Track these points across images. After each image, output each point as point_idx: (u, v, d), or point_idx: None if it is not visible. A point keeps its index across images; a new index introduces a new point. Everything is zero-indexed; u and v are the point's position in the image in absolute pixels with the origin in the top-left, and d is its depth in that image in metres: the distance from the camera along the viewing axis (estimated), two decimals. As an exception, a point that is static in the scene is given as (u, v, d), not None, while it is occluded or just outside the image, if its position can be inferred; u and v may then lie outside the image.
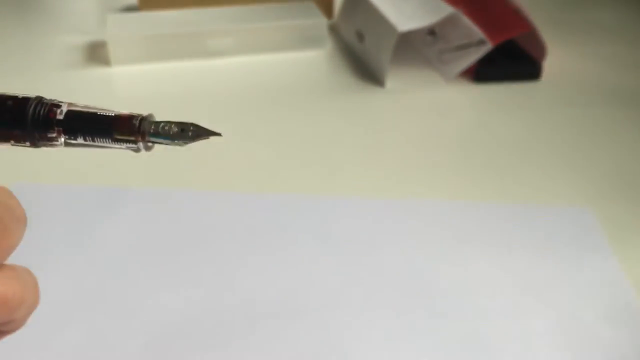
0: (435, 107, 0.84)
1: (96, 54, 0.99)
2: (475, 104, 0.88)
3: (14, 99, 0.28)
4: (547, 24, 0.98)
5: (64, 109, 0.28)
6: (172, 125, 0.28)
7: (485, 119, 0.83)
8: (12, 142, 0.28)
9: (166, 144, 0.28)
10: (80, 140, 0.28)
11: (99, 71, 0.95)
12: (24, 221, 0.28)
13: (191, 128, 0.29)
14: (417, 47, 0.97)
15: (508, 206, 0.62)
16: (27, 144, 0.28)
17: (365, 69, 0.95)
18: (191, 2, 1.05)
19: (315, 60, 1.00)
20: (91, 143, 0.28)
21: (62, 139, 0.28)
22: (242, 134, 0.76)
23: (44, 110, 0.28)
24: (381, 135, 0.79)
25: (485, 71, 0.92)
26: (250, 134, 0.77)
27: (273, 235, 0.57)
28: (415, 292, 0.51)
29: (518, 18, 0.92)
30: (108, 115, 0.28)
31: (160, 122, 0.28)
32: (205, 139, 0.29)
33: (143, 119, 0.28)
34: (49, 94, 0.32)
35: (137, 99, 0.90)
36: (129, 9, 1.14)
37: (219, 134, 0.28)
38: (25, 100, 0.28)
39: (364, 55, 0.98)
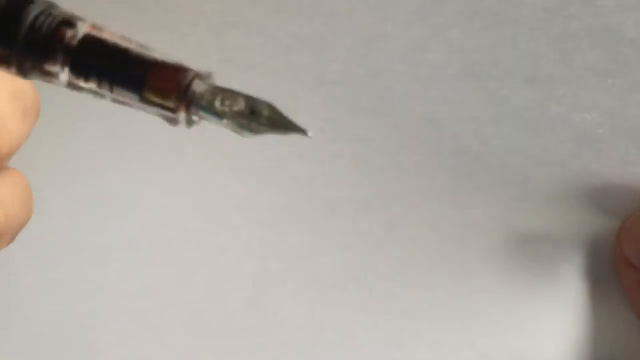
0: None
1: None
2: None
3: None
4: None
5: (81, 30, 0.20)
6: (240, 99, 0.19)
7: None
8: None
9: (222, 126, 0.20)
10: (91, 86, 0.20)
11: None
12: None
13: (266, 113, 0.20)
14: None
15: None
16: (13, 69, 0.20)
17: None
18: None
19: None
20: (107, 93, 0.20)
21: (66, 76, 0.20)
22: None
23: (50, 24, 0.19)
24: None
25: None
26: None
27: None
28: None
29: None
30: (144, 58, 0.19)
31: (222, 89, 0.19)
32: (283, 133, 0.20)
33: (197, 76, 0.19)
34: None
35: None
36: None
37: (304, 133, 0.20)
38: (25, 1, 0.19)
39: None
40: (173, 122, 0.20)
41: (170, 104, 0.19)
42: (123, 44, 0.20)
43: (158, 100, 0.19)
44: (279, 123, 0.19)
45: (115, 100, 0.20)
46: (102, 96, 0.20)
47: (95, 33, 0.20)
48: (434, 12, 0.49)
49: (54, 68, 0.20)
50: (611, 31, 0.46)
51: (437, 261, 0.51)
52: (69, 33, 0.19)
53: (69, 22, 0.20)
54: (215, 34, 0.50)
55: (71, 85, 0.20)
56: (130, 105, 0.20)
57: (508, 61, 0.49)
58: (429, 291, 0.51)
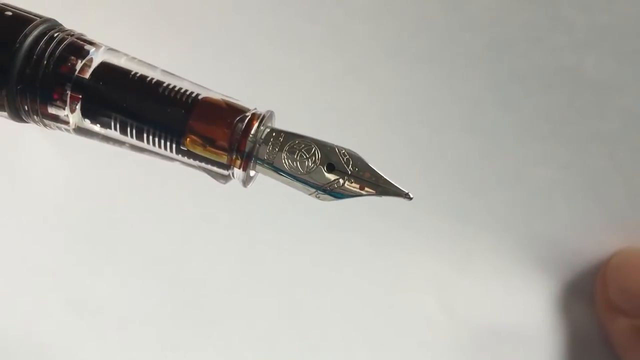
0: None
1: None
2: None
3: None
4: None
5: (94, 57, 0.15)
6: (314, 149, 0.16)
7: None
8: None
9: (289, 186, 0.17)
10: (109, 131, 0.14)
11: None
12: None
13: (352, 168, 0.17)
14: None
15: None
16: (5, 113, 0.15)
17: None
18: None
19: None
20: (131, 140, 0.15)
21: (76, 120, 0.14)
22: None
23: (53, 51, 0.14)
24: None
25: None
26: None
27: None
28: None
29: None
30: (183, 94, 0.15)
31: (289, 134, 0.16)
32: (376, 195, 0.17)
33: (256, 118, 0.15)
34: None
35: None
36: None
37: (405, 196, 0.18)
38: (22, 22, 0.14)
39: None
40: (222, 178, 0.16)
41: (222, 157, 0.15)
42: (149, 73, 0.15)
43: (204, 152, 0.15)
44: (371, 184, 0.17)
45: (139, 149, 0.15)
46: (120, 143, 0.15)
47: (112, 59, 0.15)
48: (352, 48, 0.40)
49: (60, 110, 0.14)
50: (567, 73, 0.38)
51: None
52: (78, 62, 0.14)
53: (78, 47, 0.15)
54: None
55: (82, 131, 0.14)
56: (162, 157, 0.15)
57: (442, 107, 0.40)
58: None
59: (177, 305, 0.42)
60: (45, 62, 0.14)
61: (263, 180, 0.41)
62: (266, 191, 0.41)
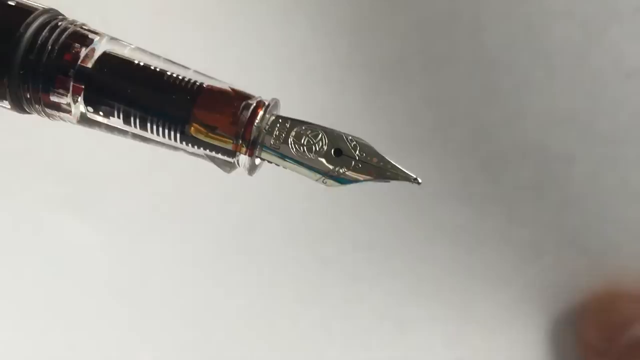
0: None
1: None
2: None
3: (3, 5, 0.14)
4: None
5: (97, 46, 0.15)
6: (320, 135, 0.15)
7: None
8: None
9: (295, 172, 0.15)
10: (113, 120, 0.14)
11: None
12: None
13: (359, 154, 0.16)
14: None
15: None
16: (6, 102, 0.15)
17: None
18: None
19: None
20: (134, 130, 0.15)
21: (79, 109, 0.15)
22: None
23: (56, 40, 0.14)
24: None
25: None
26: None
27: None
28: None
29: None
30: (187, 82, 0.15)
31: (295, 121, 0.15)
32: (383, 181, 0.16)
33: (261, 106, 0.15)
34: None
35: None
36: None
37: (414, 180, 0.17)
38: (25, 11, 0.14)
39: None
40: (228, 166, 0.15)
41: (228, 144, 0.15)
42: (152, 62, 0.15)
43: (209, 139, 0.15)
44: (379, 169, 0.16)
45: (143, 138, 0.15)
46: (124, 133, 0.15)
47: (115, 49, 0.15)
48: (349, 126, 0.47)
49: (63, 99, 0.14)
50: (538, 148, 0.45)
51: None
52: (82, 51, 0.15)
53: (81, 36, 0.15)
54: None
55: (85, 121, 0.15)
56: (165, 146, 0.15)
57: (437, 183, 0.47)
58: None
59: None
60: (49, 48, 0.15)
61: (265, 207, 0.46)
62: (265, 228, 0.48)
